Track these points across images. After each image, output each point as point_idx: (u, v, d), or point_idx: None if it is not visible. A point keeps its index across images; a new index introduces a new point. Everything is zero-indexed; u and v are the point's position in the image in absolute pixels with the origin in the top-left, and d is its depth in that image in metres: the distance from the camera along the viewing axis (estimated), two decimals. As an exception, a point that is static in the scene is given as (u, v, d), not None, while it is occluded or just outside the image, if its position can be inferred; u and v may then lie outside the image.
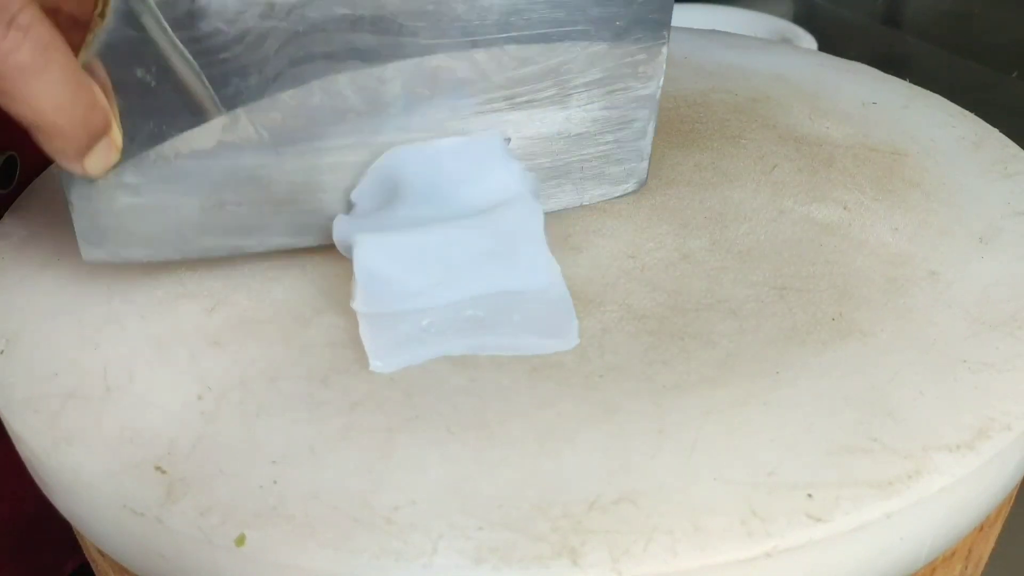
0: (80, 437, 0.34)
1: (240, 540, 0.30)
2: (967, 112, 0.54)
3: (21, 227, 0.45)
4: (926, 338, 0.37)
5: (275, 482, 0.31)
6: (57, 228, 0.45)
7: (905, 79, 0.58)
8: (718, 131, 0.51)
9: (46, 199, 0.47)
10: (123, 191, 0.37)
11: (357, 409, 0.34)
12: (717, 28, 0.67)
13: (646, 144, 0.45)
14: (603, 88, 0.43)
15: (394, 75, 0.39)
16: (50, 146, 0.34)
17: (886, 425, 0.33)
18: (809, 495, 0.31)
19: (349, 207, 0.41)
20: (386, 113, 0.39)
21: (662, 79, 0.44)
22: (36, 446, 0.34)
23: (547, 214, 0.40)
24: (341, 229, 0.40)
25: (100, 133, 0.35)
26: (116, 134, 0.35)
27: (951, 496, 0.32)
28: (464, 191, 0.40)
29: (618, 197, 0.46)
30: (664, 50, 0.43)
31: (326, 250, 0.42)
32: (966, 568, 0.40)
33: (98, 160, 0.35)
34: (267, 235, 0.41)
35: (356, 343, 0.37)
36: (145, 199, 0.38)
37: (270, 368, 0.36)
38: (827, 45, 1.02)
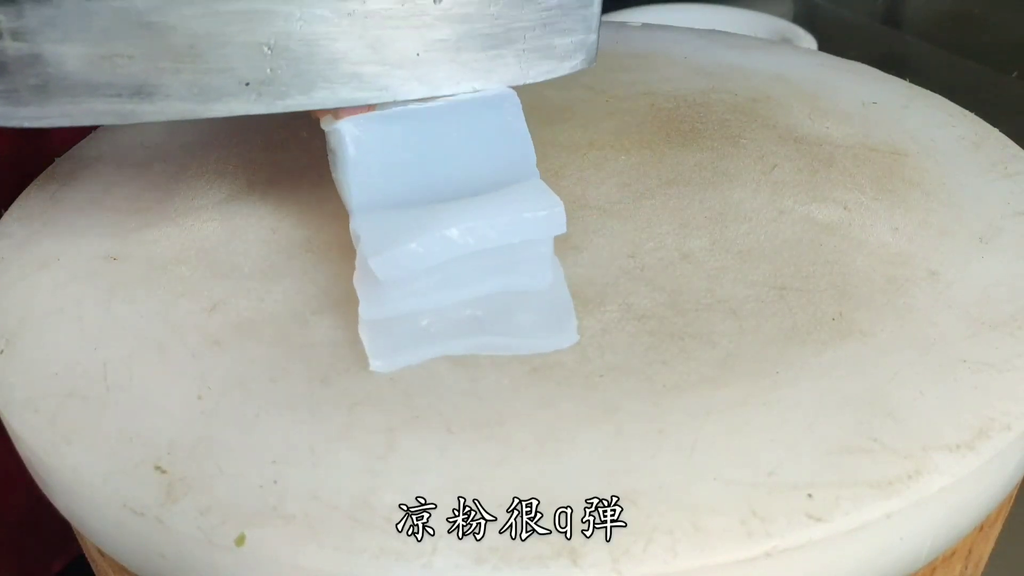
0: (80, 437, 0.34)
1: (240, 540, 0.30)
2: (967, 112, 0.54)
3: (21, 227, 0.45)
4: (926, 338, 0.37)
5: (275, 482, 0.31)
6: (57, 228, 0.45)
7: (905, 79, 0.58)
8: (718, 131, 0.51)
9: (46, 199, 0.47)
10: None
11: (357, 409, 0.34)
12: (717, 28, 0.67)
13: (593, 13, 0.41)
14: None
15: None
16: None
17: (886, 425, 0.33)
18: (809, 495, 0.31)
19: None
20: None
21: None
22: (36, 446, 0.34)
23: None
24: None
25: None
26: None
27: (951, 496, 0.32)
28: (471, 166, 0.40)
29: (565, 75, 0.42)
30: None
31: (326, 250, 0.42)
32: (966, 568, 0.40)
33: None
34: (167, 99, 0.36)
35: (356, 343, 0.37)
36: (22, 46, 0.33)
37: (270, 368, 0.36)
38: (827, 45, 1.02)
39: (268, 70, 0.37)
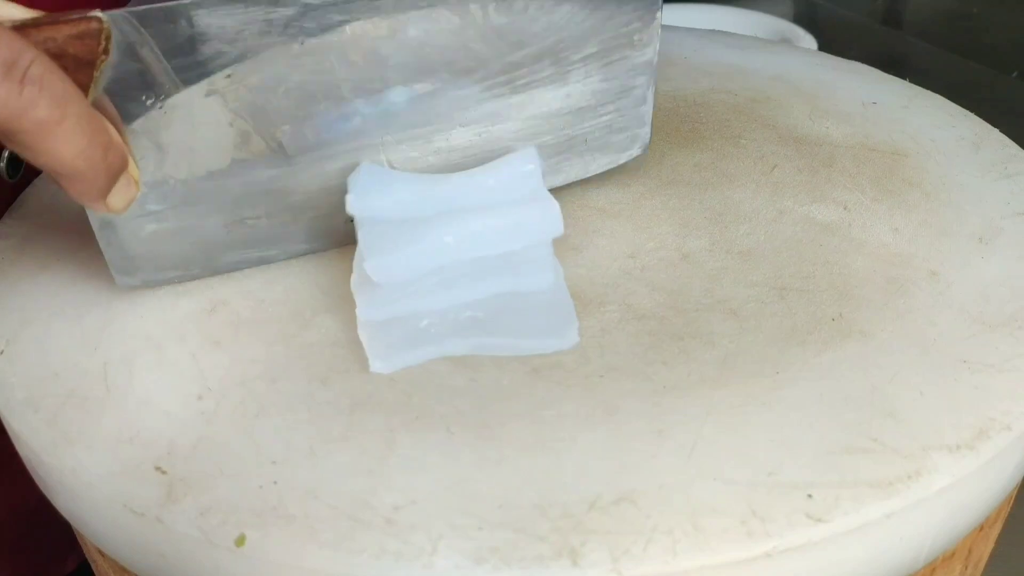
0: (80, 437, 0.34)
1: (240, 540, 0.30)
2: (967, 112, 0.54)
3: (21, 227, 0.45)
4: (926, 338, 0.37)
5: (275, 482, 0.31)
6: (57, 229, 0.45)
7: (905, 79, 0.58)
8: (718, 131, 0.51)
9: (46, 200, 0.47)
10: (147, 219, 0.39)
11: (357, 409, 0.34)
12: (717, 28, 0.67)
13: (647, 110, 0.45)
14: (600, 61, 0.43)
15: (395, 74, 0.39)
16: (73, 190, 0.34)
17: (886, 425, 0.33)
18: (809, 495, 0.31)
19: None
20: (391, 112, 0.40)
21: (658, 44, 0.44)
22: (36, 446, 0.34)
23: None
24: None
25: (119, 171, 0.35)
26: (133, 168, 0.36)
27: (951, 496, 0.32)
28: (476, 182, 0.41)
29: (623, 164, 0.46)
30: (658, 15, 0.43)
31: (329, 251, 0.42)
32: (966, 568, 0.40)
33: (120, 197, 0.35)
34: (288, 243, 0.41)
35: (356, 344, 0.37)
36: (169, 224, 0.39)
37: (270, 368, 0.36)
38: (827, 45, 1.02)
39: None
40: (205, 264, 0.41)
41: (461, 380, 0.35)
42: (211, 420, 0.34)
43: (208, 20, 0.35)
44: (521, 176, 0.41)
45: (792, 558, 0.30)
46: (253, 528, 0.30)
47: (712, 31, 0.66)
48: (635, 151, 0.46)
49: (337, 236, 0.42)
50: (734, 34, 0.66)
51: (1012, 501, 0.40)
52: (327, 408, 0.34)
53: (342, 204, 0.39)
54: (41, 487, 0.36)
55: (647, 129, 0.46)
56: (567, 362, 0.36)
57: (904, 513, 0.31)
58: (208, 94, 0.37)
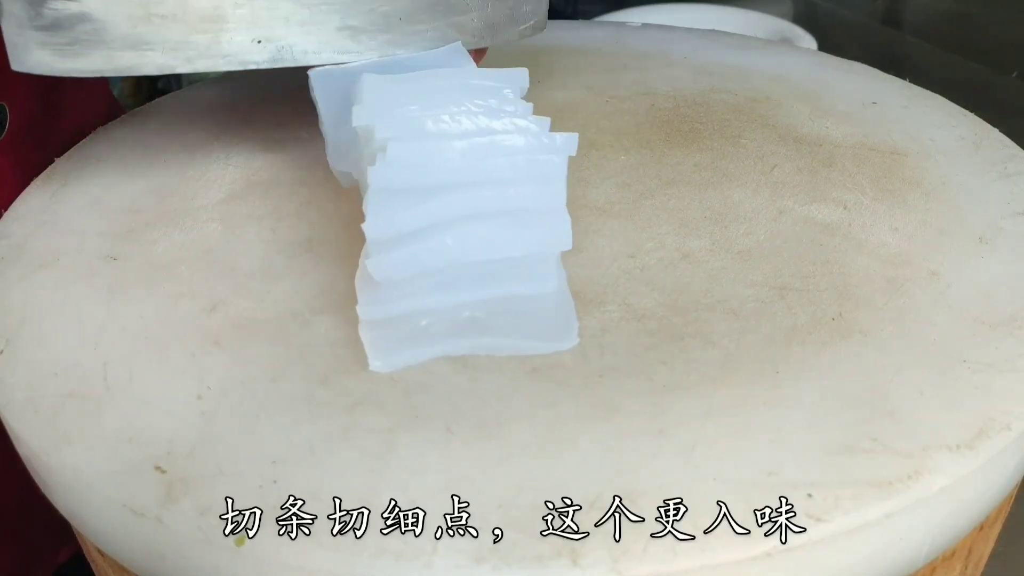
0: (80, 437, 0.34)
1: (240, 540, 0.30)
2: (967, 112, 0.54)
3: (21, 227, 0.45)
4: (926, 338, 0.37)
5: (275, 482, 0.31)
6: (57, 228, 0.45)
7: (905, 79, 0.58)
8: (718, 131, 0.51)
9: (46, 199, 0.47)
10: None
11: (357, 409, 0.34)
12: (717, 28, 0.67)
13: None
14: None
15: None
16: None
17: (886, 425, 0.33)
18: (809, 495, 0.31)
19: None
20: None
21: None
22: (36, 446, 0.34)
23: None
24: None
25: None
26: None
27: (951, 496, 0.32)
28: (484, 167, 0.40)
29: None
30: None
31: (326, 250, 0.42)
32: (966, 568, 0.40)
33: None
34: (194, 54, 0.40)
35: (356, 343, 0.37)
36: (74, 5, 0.38)
37: (270, 368, 0.36)
38: (827, 45, 1.02)
39: (280, 29, 0.41)
40: (104, 59, 0.40)
41: (461, 380, 0.35)
42: (211, 420, 0.34)
43: None
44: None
45: (792, 558, 0.30)
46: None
47: (712, 31, 0.66)
48: (534, 26, 0.48)
49: (244, 55, 0.41)
50: (734, 34, 0.66)
51: (1012, 501, 0.40)
52: (327, 408, 0.34)
53: (253, 20, 0.40)
54: (41, 487, 0.36)
55: (544, 6, 0.48)
56: (567, 362, 0.36)
57: (904, 513, 0.31)
58: None
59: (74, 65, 0.39)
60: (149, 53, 0.40)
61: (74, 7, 0.38)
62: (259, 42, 0.40)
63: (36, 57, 0.39)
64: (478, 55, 0.46)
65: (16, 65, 0.39)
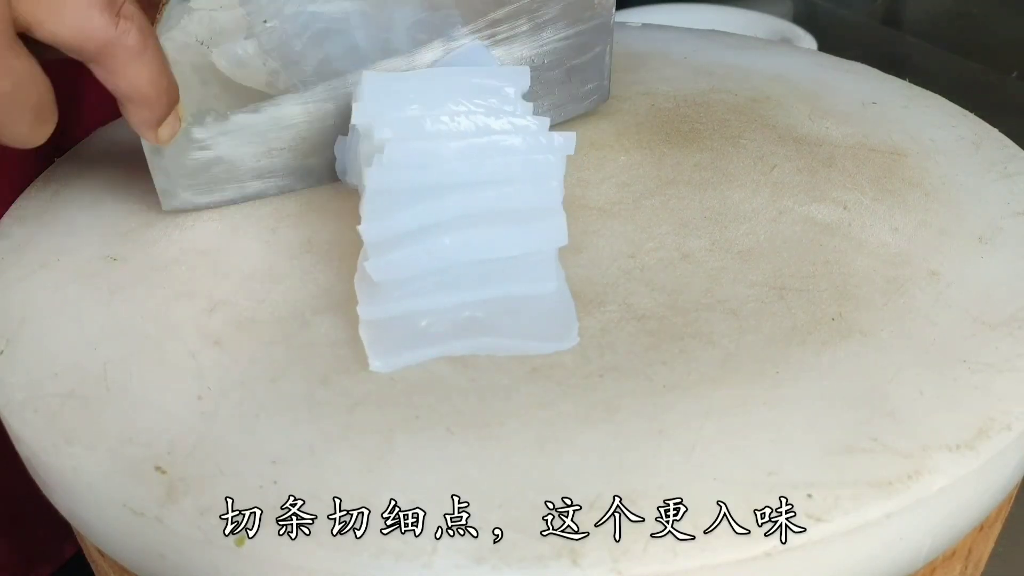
0: (80, 437, 0.34)
1: (240, 540, 0.30)
2: (967, 112, 0.54)
3: (20, 227, 0.45)
4: (926, 338, 0.37)
5: (275, 482, 0.31)
6: (57, 228, 0.45)
7: (905, 79, 0.58)
8: (718, 131, 0.51)
9: (46, 199, 0.47)
10: (192, 146, 0.44)
11: (357, 409, 0.34)
12: (717, 28, 0.67)
13: (607, 64, 0.52)
14: (567, 19, 0.49)
15: (399, 23, 0.45)
16: (138, 116, 0.40)
17: (886, 425, 0.33)
18: (809, 495, 0.31)
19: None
20: (395, 55, 0.46)
21: (614, 9, 0.51)
22: (36, 446, 0.34)
23: None
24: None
25: (175, 102, 0.41)
26: (181, 106, 0.42)
27: (951, 496, 0.32)
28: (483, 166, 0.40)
29: (584, 114, 0.53)
30: None
31: (326, 250, 0.42)
32: (966, 568, 0.40)
33: (169, 128, 0.41)
34: (311, 175, 0.47)
35: (356, 343, 0.37)
36: (209, 153, 0.44)
37: (270, 368, 0.36)
38: (827, 45, 1.02)
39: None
40: (237, 190, 0.46)
41: (461, 380, 0.35)
42: (211, 420, 0.34)
43: None
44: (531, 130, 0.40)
45: (792, 558, 0.30)
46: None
47: (712, 31, 0.66)
48: (597, 99, 0.53)
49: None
50: (734, 34, 0.66)
51: (1012, 501, 0.40)
52: (327, 408, 0.34)
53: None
54: (41, 487, 0.36)
55: (606, 83, 0.53)
56: (567, 362, 0.36)
57: (904, 513, 0.31)
58: (247, 37, 0.43)
59: (212, 199, 0.46)
60: (272, 180, 0.47)
61: (210, 154, 0.44)
62: None
63: (182, 198, 0.45)
64: None
65: (167, 207, 0.45)
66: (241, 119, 0.44)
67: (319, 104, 0.45)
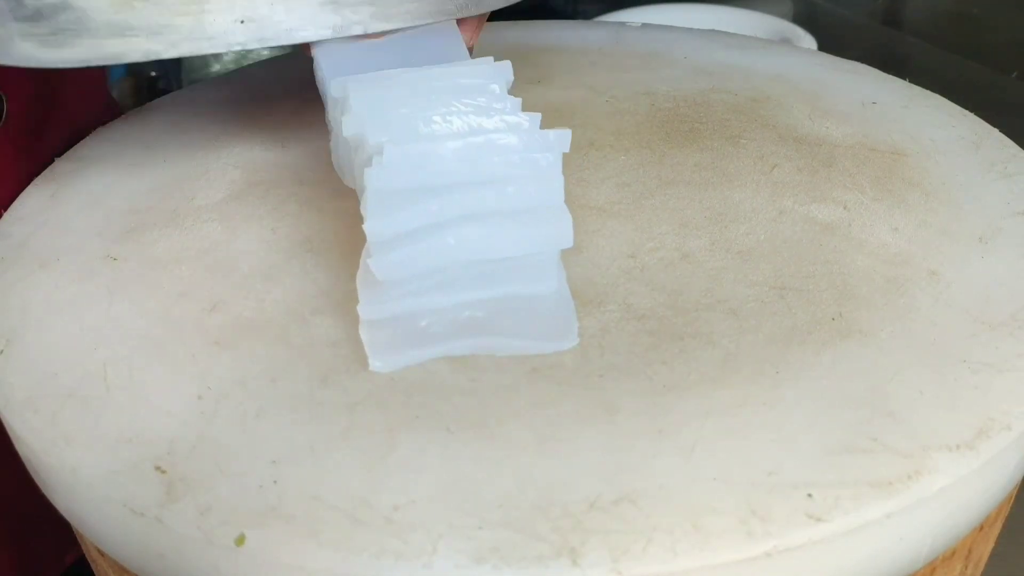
0: (79, 437, 0.34)
1: (240, 540, 0.30)
2: (967, 112, 0.54)
3: (20, 227, 0.45)
4: (926, 338, 0.37)
5: (275, 482, 0.31)
6: (57, 228, 0.45)
7: (905, 79, 0.58)
8: (718, 131, 0.51)
9: (45, 199, 0.47)
10: None
11: (357, 409, 0.34)
12: (717, 28, 0.67)
13: None
14: None
15: None
16: None
17: (886, 425, 0.33)
18: (809, 495, 0.31)
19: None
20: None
21: None
22: (36, 445, 0.34)
23: None
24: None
25: None
26: None
27: (951, 496, 0.32)
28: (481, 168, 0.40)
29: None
30: None
31: (327, 250, 0.42)
32: (966, 568, 0.40)
33: None
34: (178, 38, 0.40)
35: (356, 343, 0.37)
36: None
37: (270, 368, 0.36)
38: (827, 45, 1.02)
39: (263, 8, 0.40)
40: (90, 48, 0.40)
41: (461, 380, 0.35)
42: (211, 420, 0.34)
43: None
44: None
45: (792, 558, 0.30)
46: (253, 528, 0.30)
47: (712, 31, 0.66)
48: None
49: (228, 37, 0.41)
50: (734, 34, 0.65)
51: (1012, 501, 0.40)
52: (327, 408, 0.34)
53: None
54: (41, 486, 0.36)
55: None
56: (567, 362, 0.36)
57: (904, 513, 0.31)
58: None
59: (59, 55, 0.39)
60: (134, 39, 0.40)
61: None
62: (242, 22, 0.40)
63: (20, 49, 0.39)
64: (476, 24, 0.46)
65: (2, 59, 0.39)
66: None
67: None
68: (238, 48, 0.41)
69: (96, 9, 0.39)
